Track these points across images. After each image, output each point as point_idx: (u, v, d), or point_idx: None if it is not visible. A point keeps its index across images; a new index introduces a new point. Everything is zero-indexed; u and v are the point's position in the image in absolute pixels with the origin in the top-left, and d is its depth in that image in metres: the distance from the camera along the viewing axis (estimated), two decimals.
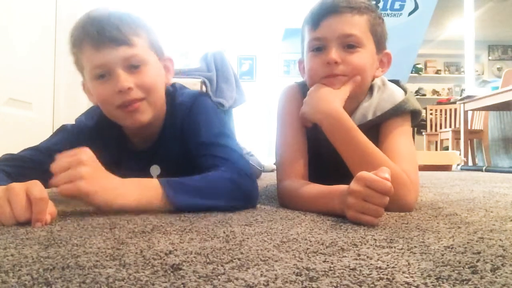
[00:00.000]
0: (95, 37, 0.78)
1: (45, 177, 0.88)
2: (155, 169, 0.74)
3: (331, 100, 0.82)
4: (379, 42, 0.89)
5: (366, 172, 0.62)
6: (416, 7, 3.37)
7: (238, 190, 0.76)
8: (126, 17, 0.82)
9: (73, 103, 1.86)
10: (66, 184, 0.63)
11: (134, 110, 0.81)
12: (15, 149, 0.85)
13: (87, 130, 0.93)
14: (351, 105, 0.89)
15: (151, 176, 0.72)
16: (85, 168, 0.63)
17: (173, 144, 0.93)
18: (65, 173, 0.63)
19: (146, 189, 0.70)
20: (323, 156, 0.90)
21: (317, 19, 0.85)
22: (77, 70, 0.87)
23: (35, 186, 0.59)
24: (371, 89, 0.92)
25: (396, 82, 0.96)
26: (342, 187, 0.68)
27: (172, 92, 0.95)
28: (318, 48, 0.86)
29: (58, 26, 1.83)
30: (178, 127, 0.91)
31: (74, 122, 0.97)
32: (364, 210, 0.61)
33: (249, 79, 5.81)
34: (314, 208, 0.74)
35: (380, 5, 3.37)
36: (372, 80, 0.92)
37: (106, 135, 0.93)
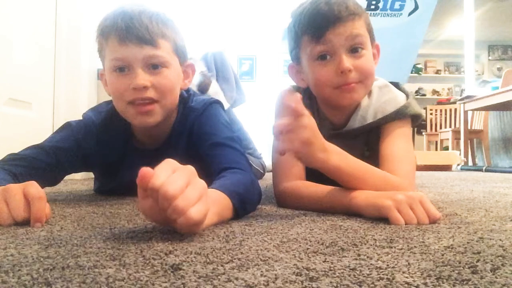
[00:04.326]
0: (123, 32, 0.78)
1: (51, 177, 0.89)
2: None
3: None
4: (371, 35, 0.89)
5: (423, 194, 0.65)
6: (416, 7, 3.37)
7: (259, 194, 0.78)
8: (157, 17, 0.82)
9: (73, 103, 1.86)
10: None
11: (145, 111, 0.81)
12: (15, 150, 0.85)
13: (93, 126, 0.93)
14: (353, 107, 0.90)
15: None
16: None
17: (179, 146, 0.93)
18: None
19: (222, 204, 0.62)
20: None
21: (320, 30, 0.81)
22: (99, 58, 0.88)
23: (32, 186, 0.59)
24: None
25: (396, 84, 0.96)
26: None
27: (186, 97, 0.96)
28: (323, 56, 0.83)
29: (58, 26, 1.82)
30: (187, 131, 0.92)
31: (78, 118, 0.97)
32: (402, 209, 0.62)
33: (249, 79, 5.81)
34: (319, 202, 0.76)
35: (380, 5, 3.37)
36: None
37: (113, 131, 0.94)
